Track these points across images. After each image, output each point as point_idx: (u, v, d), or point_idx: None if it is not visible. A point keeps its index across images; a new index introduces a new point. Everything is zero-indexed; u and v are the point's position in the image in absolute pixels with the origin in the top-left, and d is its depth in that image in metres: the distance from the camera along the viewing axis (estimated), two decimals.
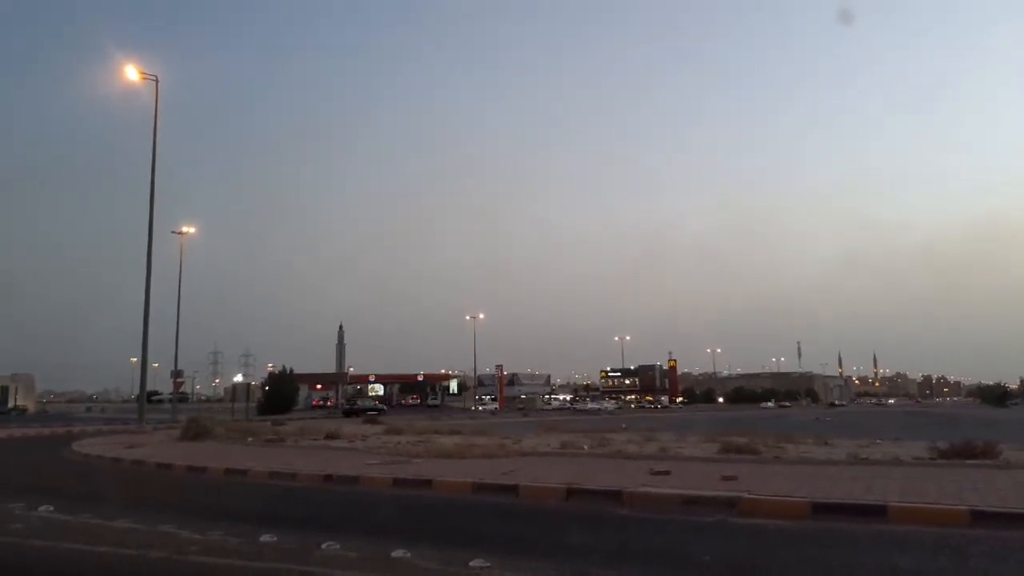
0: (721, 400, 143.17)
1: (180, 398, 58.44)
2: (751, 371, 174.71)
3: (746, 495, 9.14)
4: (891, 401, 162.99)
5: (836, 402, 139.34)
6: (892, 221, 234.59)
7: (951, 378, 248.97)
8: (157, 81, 31.82)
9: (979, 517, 7.71)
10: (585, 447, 17.50)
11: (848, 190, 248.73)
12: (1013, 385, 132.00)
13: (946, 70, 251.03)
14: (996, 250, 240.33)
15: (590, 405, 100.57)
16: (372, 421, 36.02)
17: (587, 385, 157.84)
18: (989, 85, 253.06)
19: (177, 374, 49.56)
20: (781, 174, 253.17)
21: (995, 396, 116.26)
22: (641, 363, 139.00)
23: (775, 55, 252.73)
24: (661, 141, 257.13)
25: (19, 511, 9.09)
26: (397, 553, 6.19)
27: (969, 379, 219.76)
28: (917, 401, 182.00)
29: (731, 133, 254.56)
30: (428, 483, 11.59)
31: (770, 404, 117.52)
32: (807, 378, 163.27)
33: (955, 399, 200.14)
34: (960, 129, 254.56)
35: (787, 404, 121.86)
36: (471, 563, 5.88)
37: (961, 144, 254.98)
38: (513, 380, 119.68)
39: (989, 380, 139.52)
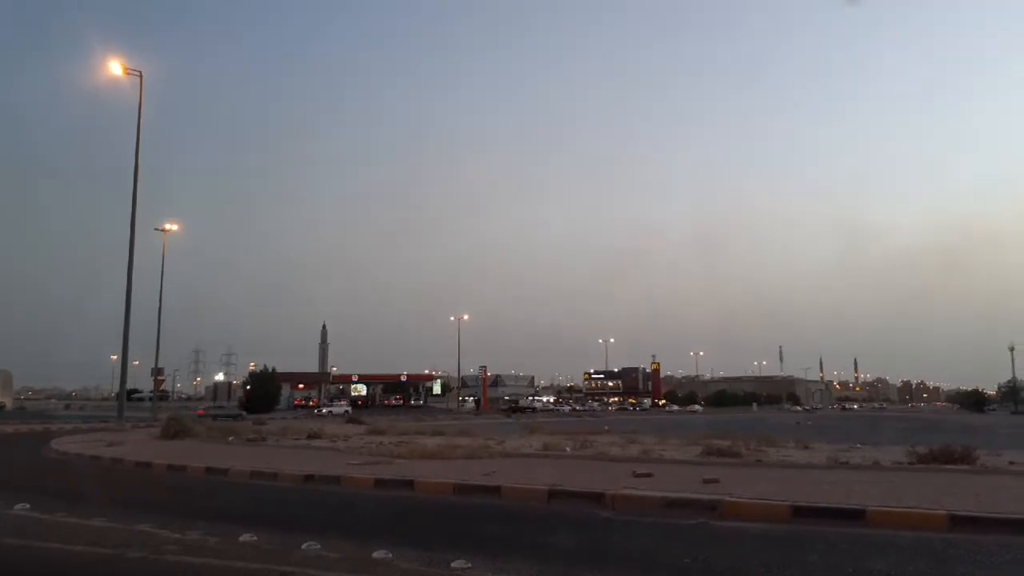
0: (702, 404, 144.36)
1: (161, 396, 57.97)
2: (733, 374, 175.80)
3: (727, 498, 9.18)
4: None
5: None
6: (872, 226, 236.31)
7: (930, 383, 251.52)
8: (141, 76, 31.62)
9: (957, 521, 7.79)
10: (568, 449, 17.52)
11: (829, 196, 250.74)
12: (991, 391, 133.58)
13: (931, 78, 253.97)
14: (976, 256, 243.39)
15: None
16: (355, 421, 35.89)
17: (570, 387, 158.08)
18: (973, 93, 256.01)
19: (158, 372, 49.08)
20: (764, 179, 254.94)
21: (973, 402, 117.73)
22: (624, 365, 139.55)
23: (762, 63, 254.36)
24: (646, 146, 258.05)
25: None
26: (379, 554, 6.16)
27: (948, 385, 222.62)
28: (912, 406, 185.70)
29: (713, 138, 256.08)
30: (410, 484, 11.56)
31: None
32: (789, 382, 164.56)
33: (938, 404, 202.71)
34: (941, 135, 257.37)
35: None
36: (452, 564, 5.87)
37: (941, 150, 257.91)
38: (497, 381, 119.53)
39: (968, 386, 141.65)
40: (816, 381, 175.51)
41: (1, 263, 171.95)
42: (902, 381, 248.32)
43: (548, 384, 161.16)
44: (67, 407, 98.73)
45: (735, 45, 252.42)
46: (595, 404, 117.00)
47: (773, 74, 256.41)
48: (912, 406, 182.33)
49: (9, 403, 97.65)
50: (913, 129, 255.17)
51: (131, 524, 7.85)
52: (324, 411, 68.60)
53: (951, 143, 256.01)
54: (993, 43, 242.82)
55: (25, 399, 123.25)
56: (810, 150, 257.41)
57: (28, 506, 9.10)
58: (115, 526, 7.83)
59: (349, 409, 72.87)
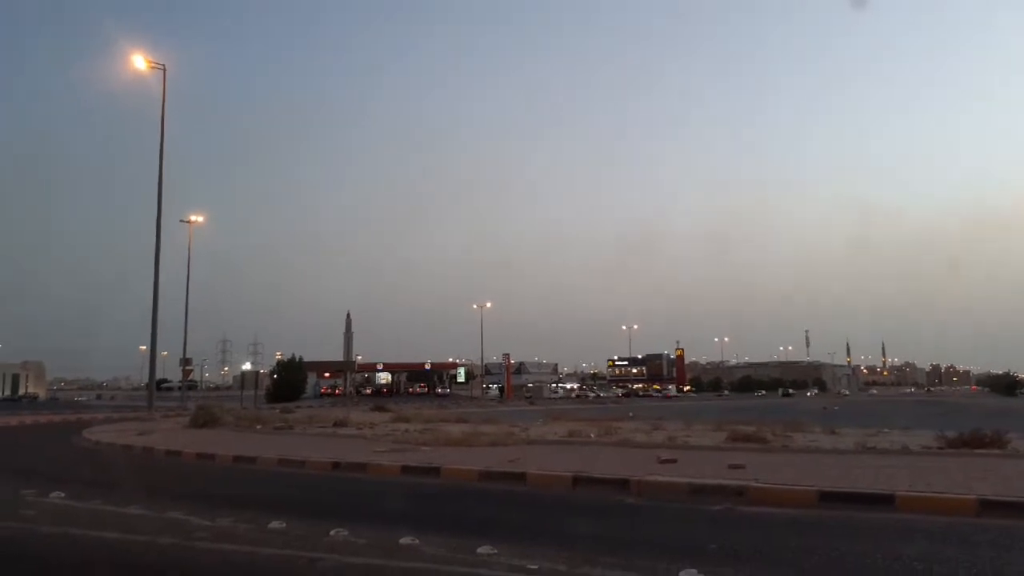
0: (727, 391, 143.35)
1: (189, 386, 58.70)
2: (759, 360, 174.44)
3: (753, 484, 9.14)
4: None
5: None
6: (900, 207, 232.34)
7: (960, 367, 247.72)
8: (165, 70, 31.83)
9: (986, 506, 7.70)
10: (592, 435, 17.53)
11: (855, 176, 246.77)
12: (1022, 374, 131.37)
13: (948, 57, 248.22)
14: (1004, 236, 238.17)
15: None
16: (381, 409, 36.14)
17: (594, 374, 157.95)
18: (992, 69, 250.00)
19: (186, 362, 49.72)
20: (787, 161, 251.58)
21: (1004, 385, 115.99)
22: (648, 352, 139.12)
23: (777, 41, 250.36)
24: (665, 129, 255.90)
25: (31, 497, 9.17)
26: (405, 540, 6.22)
27: (978, 368, 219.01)
28: (928, 390, 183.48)
29: (734, 120, 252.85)
30: (436, 471, 11.64)
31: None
32: (815, 367, 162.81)
33: (965, 388, 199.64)
34: (967, 113, 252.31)
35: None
36: (478, 550, 5.91)
37: (968, 129, 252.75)
38: (520, 369, 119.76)
39: (998, 369, 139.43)
40: (843, 366, 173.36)
41: (30, 257, 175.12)
42: (931, 365, 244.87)
43: (572, 371, 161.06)
44: (98, 397, 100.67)
45: (746, 32, 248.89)
46: (619, 391, 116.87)
47: (788, 56, 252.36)
48: (929, 391, 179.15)
49: (43, 393, 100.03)
50: (938, 107, 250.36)
51: (162, 512, 8.00)
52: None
53: (978, 120, 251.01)
54: (1010, 26, 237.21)
55: (58, 389, 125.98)
56: (834, 131, 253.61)
57: (63, 494, 9.30)
58: (147, 513, 7.98)
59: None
